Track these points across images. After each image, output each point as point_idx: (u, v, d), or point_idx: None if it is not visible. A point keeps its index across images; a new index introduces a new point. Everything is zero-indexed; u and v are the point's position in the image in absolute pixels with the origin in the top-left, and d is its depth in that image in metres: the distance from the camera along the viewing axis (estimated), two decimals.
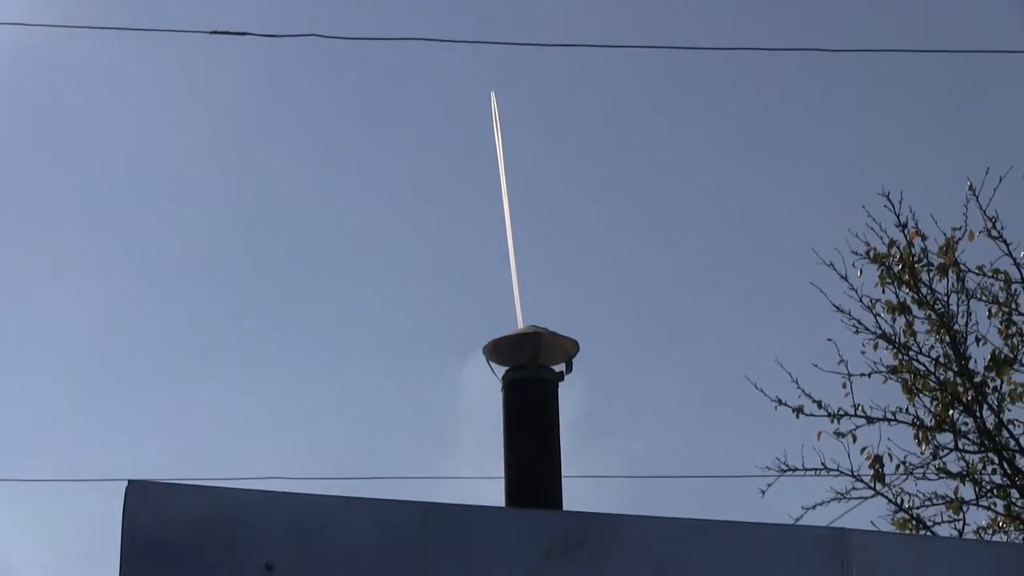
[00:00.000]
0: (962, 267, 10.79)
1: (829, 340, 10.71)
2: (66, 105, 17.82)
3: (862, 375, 10.72)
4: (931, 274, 10.82)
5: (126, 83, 17.46)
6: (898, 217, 10.80)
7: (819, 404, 10.63)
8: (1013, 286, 10.76)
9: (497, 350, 5.97)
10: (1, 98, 17.06)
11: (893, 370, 10.74)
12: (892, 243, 10.88)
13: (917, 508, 10.62)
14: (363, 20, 17.01)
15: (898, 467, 10.56)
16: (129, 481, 4.88)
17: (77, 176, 18.51)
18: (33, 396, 18.20)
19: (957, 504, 10.58)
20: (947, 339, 10.70)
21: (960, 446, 10.60)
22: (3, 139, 18.25)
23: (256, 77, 17.44)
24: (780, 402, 10.63)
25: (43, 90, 17.58)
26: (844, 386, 10.67)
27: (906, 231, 10.82)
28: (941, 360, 10.69)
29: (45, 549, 16.96)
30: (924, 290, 10.79)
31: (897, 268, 10.80)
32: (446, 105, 17.89)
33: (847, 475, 10.48)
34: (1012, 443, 10.56)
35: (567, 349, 5.99)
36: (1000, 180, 10.67)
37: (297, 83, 17.73)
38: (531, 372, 5.92)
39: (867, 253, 10.88)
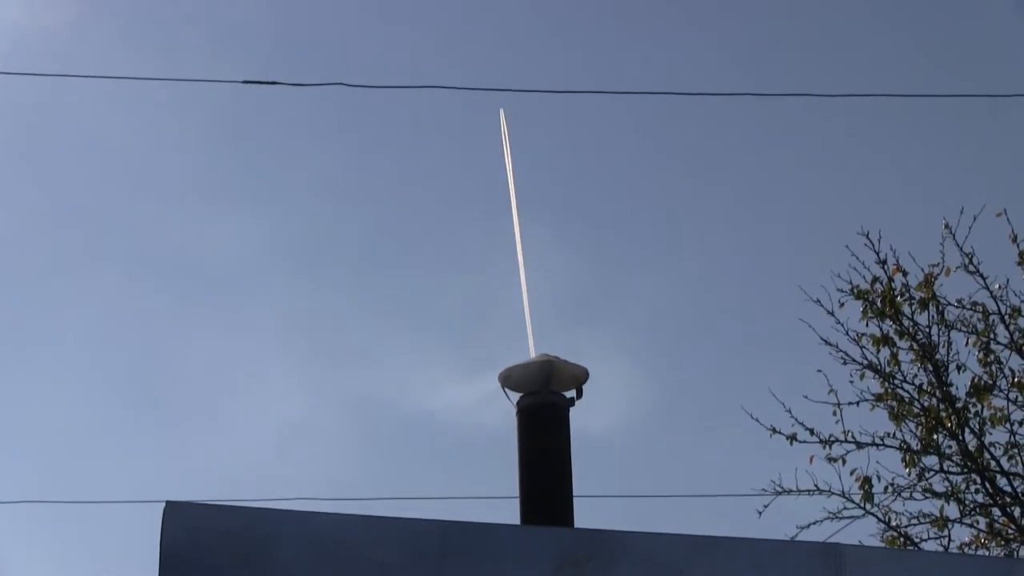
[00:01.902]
0: (941, 300, 10.79)
1: (819, 371, 10.73)
2: (72, 108, 17.53)
3: (851, 403, 10.71)
4: (913, 307, 10.81)
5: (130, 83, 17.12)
6: (878, 255, 10.83)
7: (811, 431, 10.62)
8: (991, 317, 10.75)
9: (512, 378, 5.95)
10: (6, 97, 16.86)
11: (879, 398, 10.73)
12: (875, 279, 10.88)
13: (904, 526, 10.58)
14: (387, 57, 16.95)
15: (886, 488, 10.54)
16: (167, 502, 4.83)
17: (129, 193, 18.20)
18: (70, 417, 18.11)
19: (942, 522, 10.53)
20: (930, 368, 10.69)
21: (944, 468, 10.57)
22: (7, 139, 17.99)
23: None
24: (775, 430, 10.61)
25: (50, 90, 17.24)
26: (834, 414, 10.67)
27: (886, 267, 10.83)
28: (925, 388, 10.68)
29: (82, 569, 16.87)
30: (906, 322, 10.78)
31: (879, 303, 10.80)
32: (458, 131, 17.84)
33: (838, 495, 10.46)
34: (993, 464, 10.53)
35: (577, 376, 5.96)
36: (974, 219, 10.70)
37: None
38: (544, 398, 5.89)
39: (851, 290, 10.88)
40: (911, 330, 10.76)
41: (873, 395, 10.73)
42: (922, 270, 10.83)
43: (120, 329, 18.22)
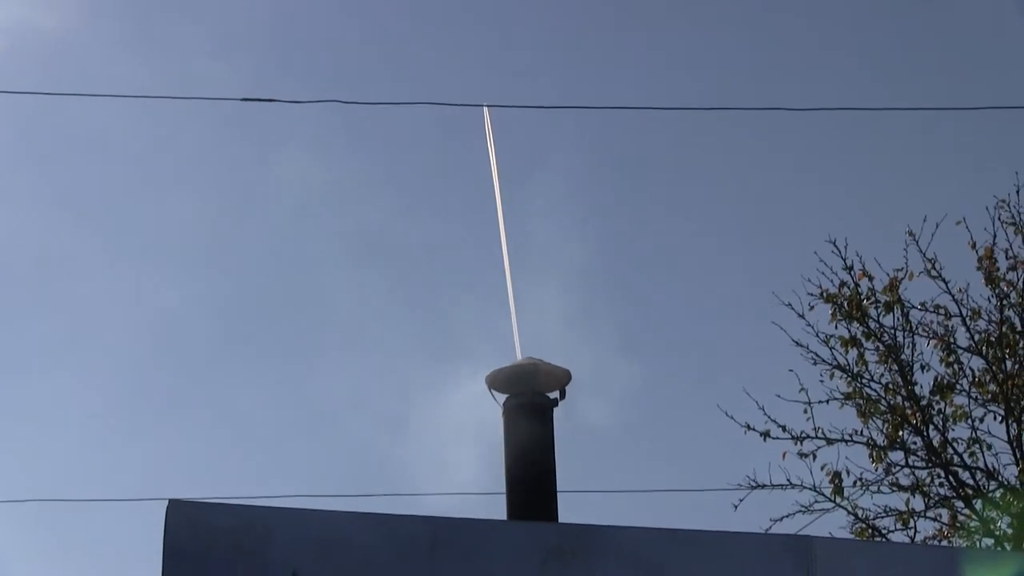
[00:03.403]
0: (906, 303, 10.82)
1: (791, 371, 10.74)
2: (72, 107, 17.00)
3: (821, 402, 10.73)
4: (878, 310, 10.84)
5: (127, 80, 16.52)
6: (844, 261, 10.88)
7: (783, 428, 10.62)
8: (952, 319, 10.80)
9: (498, 380, 5.93)
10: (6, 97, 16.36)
11: (848, 396, 10.74)
12: (843, 284, 10.92)
13: (872, 519, 10.59)
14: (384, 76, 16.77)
15: (855, 483, 10.55)
16: (170, 500, 4.81)
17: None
18: (74, 419, 17.93)
19: (907, 515, 10.56)
20: (895, 368, 10.71)
21: (910, 463, 10.59)
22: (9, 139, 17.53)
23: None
24: (749, 427, 10.62)
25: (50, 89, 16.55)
26: (805, 411, 10.69)
27: (852, 273, 10.88)
28: (891, 386, 10.70)
29: (88, 566, 16.78)
30: (873, 324, 10.81)
31: (847, 306, 10.83)
32: (447, 138, 17.69)
33: (810, 490, 10.46)
34: (956, 459, 10.55)
35: (560, 378, 5.95)
36: (936, 226, 10.75)
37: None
38: (529, 399, 5.87)
39: (820, 294, 10.91)
40: (877, 332, 10.79)
41: (842, 394, 10.76)
42: (887, 275, 10.88)
43: (125, 326, 18.05)
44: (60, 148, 17.27)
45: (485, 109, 6.47)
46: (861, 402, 10.69)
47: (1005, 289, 10.82)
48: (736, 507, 10.51)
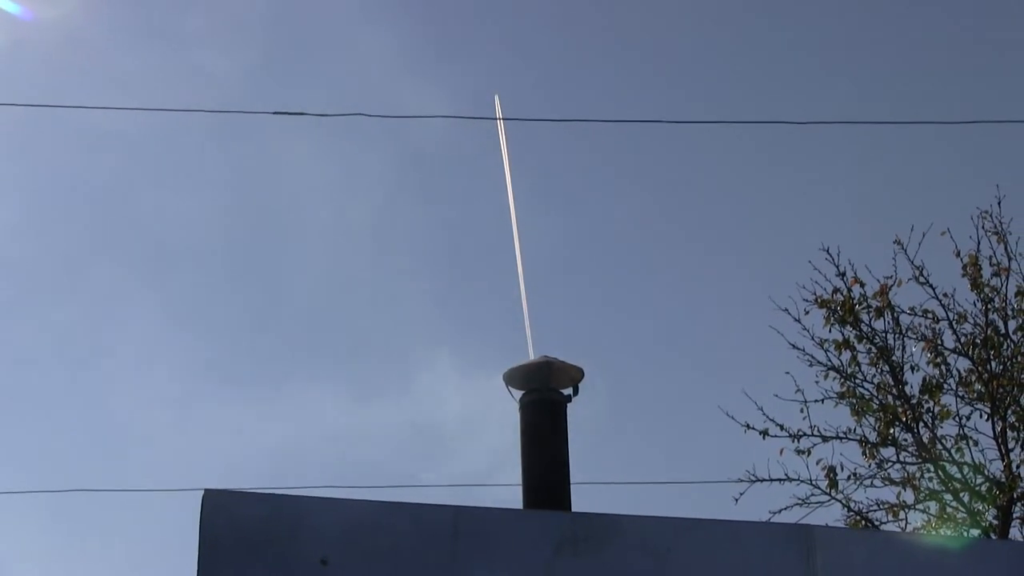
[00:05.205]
0: (896, 308, 10.84)
1: (787, 373, 10.75)
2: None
3: (816, 401, 10.74)
4: (870, 315, 10.86)
5: (129, 75, 16.24)
6: (838, 268, 10.90)
7: (781, 426, 10.63)
8: (940, 322, 10.81)
9: (514, 376, 5.92)
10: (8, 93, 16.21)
11: (842, 396, 10.75)
12: (836, 290, 10.94)
13: (866, 512, 10.60)
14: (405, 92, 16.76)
15: (849, 477, 10.57)
16: (205, 490, 4.79)
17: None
18: (114, 412, 17.91)
19: (899, 508, 10.57)
20: (886, 369, 10.72)
21: (901, 458, 10.61)
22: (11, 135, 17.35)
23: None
24: (748, 426, 10.62)
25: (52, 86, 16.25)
26: (802, 411, 10.71)
27: (845, 279, 10.91)
28: (882, 386, 10.71)
29: (127, 553, 16.78)
30: (865, 328, 10.83)
31: (840, 311, 10.85)
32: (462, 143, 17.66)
33: (807, 483, 10.47)
34: (944, 454, 10.54)
35: (574, 375, 5.93)
36: (923, 235, 10.79)
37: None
38: (543, 395, 5.85)
39: (815, 300, 10.94)
40: (869, 335, 10.81)
41: (836, 394, 10.77)
42: (878, 281, 10.92)
43: (155, 321, 18.04)
44: (61, 146, 17.17)
45: (499, 122, 6.50)
46: (854, 401, 10.70)
47: (989, 294, 10.83)
48: (737, 500, 10.53)
